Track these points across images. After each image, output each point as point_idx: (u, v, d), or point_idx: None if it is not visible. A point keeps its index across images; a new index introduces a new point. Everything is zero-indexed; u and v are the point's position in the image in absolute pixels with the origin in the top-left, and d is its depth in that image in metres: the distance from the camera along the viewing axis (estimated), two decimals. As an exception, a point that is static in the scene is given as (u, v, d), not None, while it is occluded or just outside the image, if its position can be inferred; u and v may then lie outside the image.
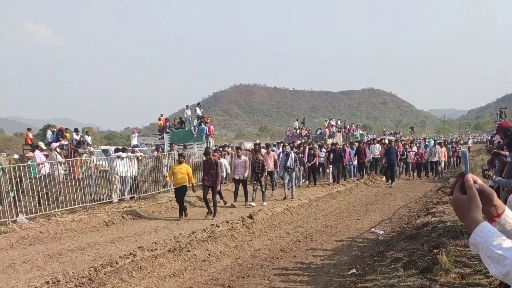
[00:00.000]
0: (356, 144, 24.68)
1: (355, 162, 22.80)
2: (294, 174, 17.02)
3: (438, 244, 7.41)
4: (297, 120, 48.91)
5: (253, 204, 14.95)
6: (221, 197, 15.28)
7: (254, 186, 15.47)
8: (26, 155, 14.98)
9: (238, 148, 17.65)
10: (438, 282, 5.59)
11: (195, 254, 8.80)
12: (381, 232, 10.78)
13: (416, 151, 25.38)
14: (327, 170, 21.99)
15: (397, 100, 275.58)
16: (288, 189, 16.73)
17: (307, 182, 21.40)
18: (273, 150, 19.06)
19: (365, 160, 23.05)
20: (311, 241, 10.32)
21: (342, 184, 20.36)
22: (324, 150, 22.88)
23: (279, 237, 10.62)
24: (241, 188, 15.46)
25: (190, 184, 13.54)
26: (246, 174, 15.41)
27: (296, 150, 19.63)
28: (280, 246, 9.85)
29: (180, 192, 13.39)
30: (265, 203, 15.13)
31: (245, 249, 9.60)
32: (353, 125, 54.01)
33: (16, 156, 21.06)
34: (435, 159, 24.24)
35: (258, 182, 15.39)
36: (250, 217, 12.06)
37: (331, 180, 21.25)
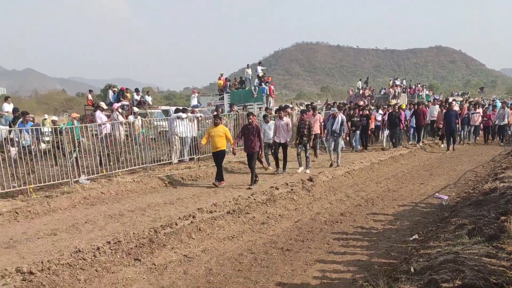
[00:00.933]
0: (415, 105, 22.84)
1: (412, 125, 21.42)
2: (340, 139, 15.66)
3: (506, 211, 7.08)
4: (360, 79, 48.10)
5: (304, 171, 14.21)
6: (261, 163, 14.58)
7: (298, 151, 14.56)
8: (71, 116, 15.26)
9: (280, 109, 16.03)
10: (505, 251, 5.34)
11: (254, 217, 8.81)
12: (446, 198, 10.45)
13: (483, 113, 23.38)
14: (382, 134, 21.20)
15: (467, 58, 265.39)
16: (334, 155, 15.57)
17: (359, 147, 20.23)
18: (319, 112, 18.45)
19: (423, 124, 21.21)
20: (372, 205, 10.13)
21: (397, 150, 19.12)
22: (381, 112, 21.89)
23: (339, 201, 10.48)
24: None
25: (230, 148, 13.02)
26: (288, 138, 14.50)
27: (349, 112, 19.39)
28: (340, 210, 9.71)
29: (218, 157, 12.60)
30: (308, 171, 14.18)
31: (305, 212, 9.53)
32: (419, 85, 52.49)
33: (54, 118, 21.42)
34: (503, 122, 22.52)
35: (303, 146, 14.36)
36: (310, 179, 11.95)
37: (384, 144, 20.53)
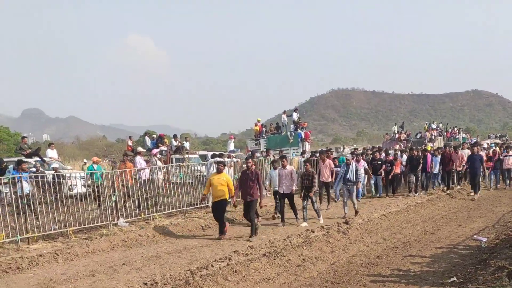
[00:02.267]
0: (442, 149, 21.50)
1: (436, 170, 19.46)
2: (354, 188, 14.02)
3: (547, 253, 6.96)
4: (395, 124, 47.89)
5: (304, 224, 12.65)
6: (257, 215, 12.77)
7: (304, 203, 13.09)
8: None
9: (283, 157, 14.08)
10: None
11: (289, 259, 8.82)
12: (484, 239, 10.26)
13: None
14: (407, 179, 19.52)
15: (504, 101, 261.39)
16: (347, 206, 14.01)
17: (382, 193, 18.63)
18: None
19: (451, 168, 19.62)
20: (409, 247, 10.03)
21: (420, 196, 17.78)
22: (405, 156, 20.28)
23: (376, 243, 10.41)
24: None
25: (231, 198, 11.86)
26: (294, 188, 13.02)
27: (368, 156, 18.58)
28: (376, 252, 9.65)
29: (219, 207, 11.56)
30: (321, 220, 13.04)
31: (340, 254, 9.49)
32: (455, 128, 51.91)
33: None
34: None
35: (307, 197, 13.00)
36: (346, 222, 11.94)
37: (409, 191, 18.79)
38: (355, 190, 14.12)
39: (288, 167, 13.14)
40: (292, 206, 13.14)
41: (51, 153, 19.36)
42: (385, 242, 10.51)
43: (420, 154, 19.09)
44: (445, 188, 19.51)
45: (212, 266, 8.05)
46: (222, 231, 11.40)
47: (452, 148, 21.71)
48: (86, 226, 11.66)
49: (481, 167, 18.68)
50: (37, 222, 10.76)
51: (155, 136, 24.75)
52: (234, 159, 17.29)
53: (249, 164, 11.88)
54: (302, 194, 13.31)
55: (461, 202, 16.95)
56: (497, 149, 23.01)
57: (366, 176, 18.20)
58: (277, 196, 13.71)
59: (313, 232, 10.96)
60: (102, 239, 10.83)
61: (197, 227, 12.71)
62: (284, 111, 32.38)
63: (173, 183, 14.38)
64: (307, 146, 28.69)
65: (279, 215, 13.40)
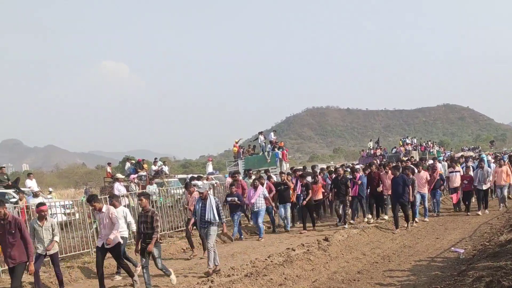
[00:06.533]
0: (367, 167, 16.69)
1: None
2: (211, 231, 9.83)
3: (523, 262, 7.12)
4: (371, 140, 48.49)
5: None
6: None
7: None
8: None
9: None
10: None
11: (271, 279, 8.86)
12: (462, 251, 10.43)
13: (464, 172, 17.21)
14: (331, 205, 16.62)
15: (475, 114, 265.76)
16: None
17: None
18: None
19: (381, 192, 15.20)
20: (388, 262, 10.16)
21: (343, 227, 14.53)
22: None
23: (356, 259, 10.51)
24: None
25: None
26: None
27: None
28: (357, 268, 9.75)
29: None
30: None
31: (322, 272, 9.56)
32: (429, 142, 52.72)
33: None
34: (485, 186, 16.46)
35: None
36: (326, 239, 12.03)
37: (338, 219, 15.42)
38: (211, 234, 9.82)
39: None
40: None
41: (30, 183, 19.15)
42: (365, 257, 10.62)
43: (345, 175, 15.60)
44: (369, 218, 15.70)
45: (195, 289, 8.05)
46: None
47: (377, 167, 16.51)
48: (68, 254, 11.55)
49: (407, 191, 13.99)
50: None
51: (133, 161, 24.67)
52: (213, 181, 17.34)
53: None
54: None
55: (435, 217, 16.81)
56: (437, 164, 18.35)
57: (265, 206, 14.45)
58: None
59: (294, 250, 11.03)
60: (84, 266, 10.73)
61: (179, 250, 12.69)
62: (261, 132, 32.69)
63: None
64: (284, 165, 28.88)
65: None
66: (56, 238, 9.18)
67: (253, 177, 15.78)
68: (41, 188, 21.60)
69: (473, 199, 17.28)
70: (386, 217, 15.62)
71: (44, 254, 9.04)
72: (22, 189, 16.27)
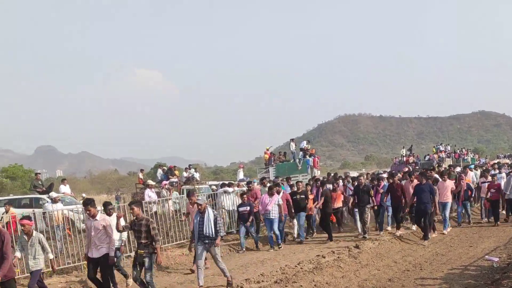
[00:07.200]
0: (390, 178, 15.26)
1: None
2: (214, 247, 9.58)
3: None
4: (403, 147, 48.02)
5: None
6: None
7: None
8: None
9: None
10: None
11: (301, 285, 8.86)
12: (496, 259, 10.24)
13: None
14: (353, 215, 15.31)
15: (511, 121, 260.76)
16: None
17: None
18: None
19: (401, 203, 14.19)
20: (420, 270, 10.04)
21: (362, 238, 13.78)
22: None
23: (387, 267, 10.42)
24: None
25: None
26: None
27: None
28: (387, 275, 9.66)
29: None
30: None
31: (352, 279, 9.51)
32: (464, 149, 51.88)
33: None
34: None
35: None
36: (357, 246, 11.95)
37: (359, 229, 14.47)
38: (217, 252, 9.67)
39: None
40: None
41: (64, 188, 19.56)
42: (396, 265, 10.53)
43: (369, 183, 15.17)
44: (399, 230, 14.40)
45: (224, 295, 8.09)
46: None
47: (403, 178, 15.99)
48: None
49: (433, 200, 13.49)
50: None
51: (165, 168, 25.02)
52: (244, 188, 17.39)
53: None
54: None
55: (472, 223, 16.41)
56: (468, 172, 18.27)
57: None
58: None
59: (324, 257, 10.98)
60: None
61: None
62: (292, 139, 32.89)
63: (184, 213, 14.46)
64: (315, 172, 28.90)
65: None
66: (50, 256, 8.82)
67: (268, 184, 15.56)
68: (74, 193, 21.99)
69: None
70: (414, 227, 14.80)
71: (39, 269, 8.58)
72: (56, 194, 16.13)
